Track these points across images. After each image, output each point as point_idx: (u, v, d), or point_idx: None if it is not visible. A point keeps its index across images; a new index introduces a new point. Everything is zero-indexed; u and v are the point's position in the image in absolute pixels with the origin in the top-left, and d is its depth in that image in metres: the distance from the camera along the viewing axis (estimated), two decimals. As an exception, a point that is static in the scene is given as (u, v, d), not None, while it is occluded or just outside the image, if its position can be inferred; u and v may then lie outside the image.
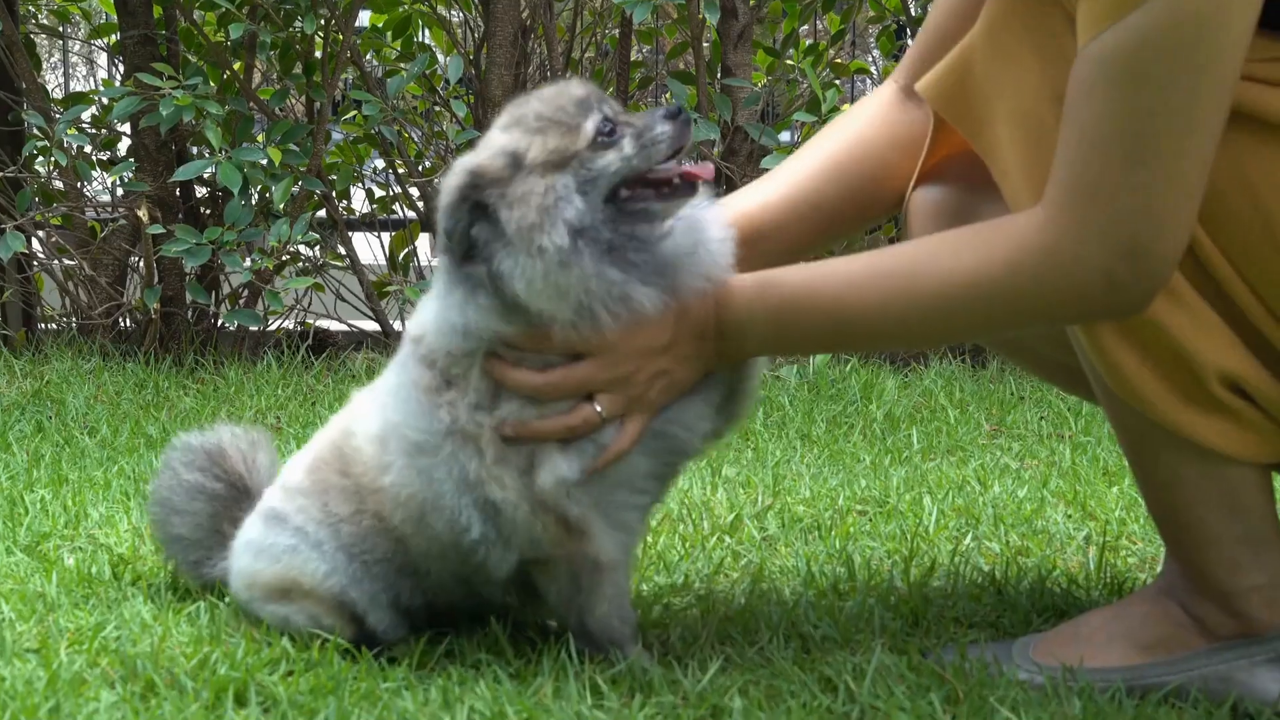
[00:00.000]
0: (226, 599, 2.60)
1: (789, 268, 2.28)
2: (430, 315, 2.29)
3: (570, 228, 2.14)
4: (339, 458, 2.40)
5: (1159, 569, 2.57)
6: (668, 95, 6.04)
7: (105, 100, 6.15)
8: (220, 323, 6.17)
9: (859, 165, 2.48)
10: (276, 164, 5.67)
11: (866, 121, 2.53)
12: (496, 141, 2.22)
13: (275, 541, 2.43)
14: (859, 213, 2.51)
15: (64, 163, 5.91)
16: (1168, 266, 2.01)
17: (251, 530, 2.51)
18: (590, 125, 2.19)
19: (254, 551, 2.47)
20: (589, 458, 2.23)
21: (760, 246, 2.41)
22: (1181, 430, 2.15)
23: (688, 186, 2.20)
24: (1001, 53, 2.15)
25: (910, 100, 2.48)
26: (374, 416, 2.36)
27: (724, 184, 6.10)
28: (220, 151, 5.60)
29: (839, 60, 6.65)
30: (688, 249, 2.22)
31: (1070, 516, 3.37)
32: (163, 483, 2.75)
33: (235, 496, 2.68)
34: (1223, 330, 2.11)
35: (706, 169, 2.21)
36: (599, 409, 2.21)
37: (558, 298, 2.15)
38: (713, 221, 2.28)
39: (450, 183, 2.20)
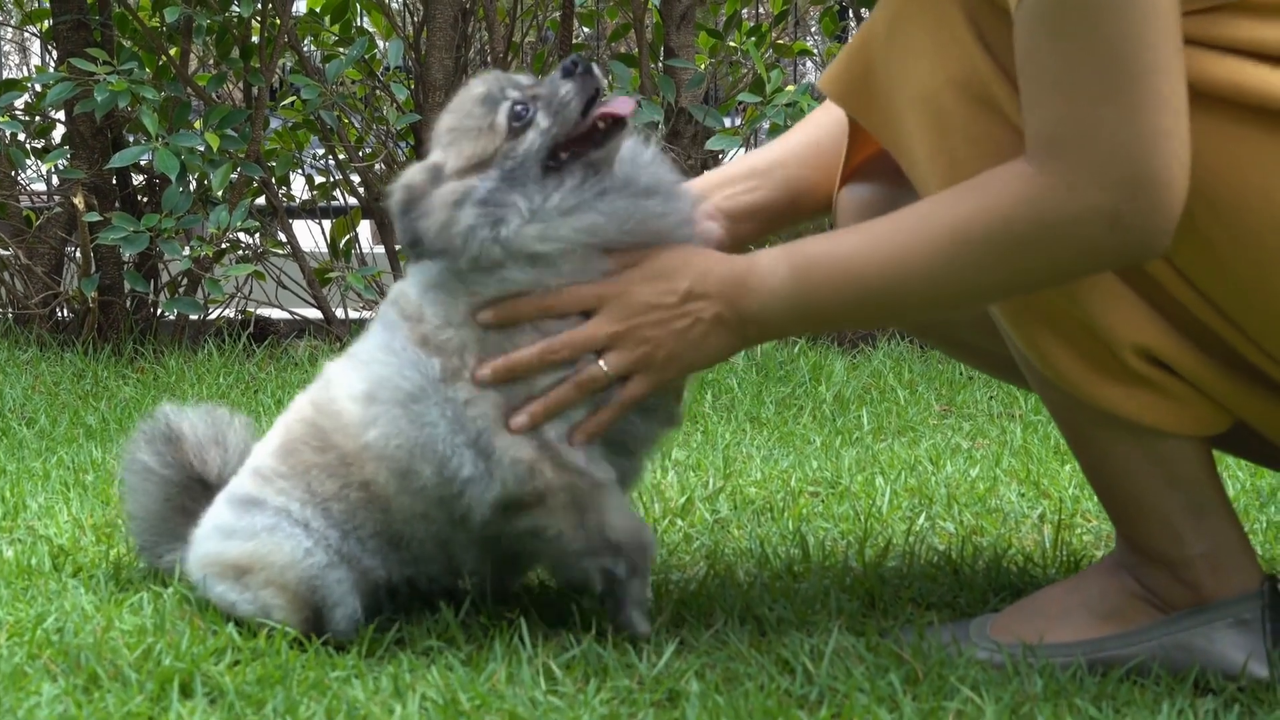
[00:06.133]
0: (170, 588, 2.54)
1: (813, 237, 2.26)
2: (411, 284, 2.32)
3: (480, 209, 2.20)
4: (315, 433, 2.36)
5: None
6: (611, 78, 5.98)
7: (38, 87, 6.05)
8: (160, 311, 6.08)
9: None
10: (215, 150, 5.58)
11: None
12: (427, 160, 2.28)
13: (251, 523, 2.36)
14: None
15: (-4, 150, 5.81)
16: (1175, 194, 1.94)
17: (219, 515, 2.45)
18: (501, 118, 2.25)
19: (223, 534, 2.41)
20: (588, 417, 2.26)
21: (775, 174, 2.49)
22: (1105, 406, 2.13)
23: (616, 124, 2.25)
24: (899, 43, 2.13)
25: None
26: (357, 376, 2.33)
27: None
28: (157, 138, 5.51)
29: (781, 41, 6.62)
30: (646, 179, 2.30)
31: (1024, 495, 3.35)
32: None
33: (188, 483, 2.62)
34: (1134, 302, 2.08)
35: (623, 104, 2.25)
36: (603, 365, 2.21)
37: (543, 243, 2.21)
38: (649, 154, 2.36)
39: (391, 199, 2.26)
